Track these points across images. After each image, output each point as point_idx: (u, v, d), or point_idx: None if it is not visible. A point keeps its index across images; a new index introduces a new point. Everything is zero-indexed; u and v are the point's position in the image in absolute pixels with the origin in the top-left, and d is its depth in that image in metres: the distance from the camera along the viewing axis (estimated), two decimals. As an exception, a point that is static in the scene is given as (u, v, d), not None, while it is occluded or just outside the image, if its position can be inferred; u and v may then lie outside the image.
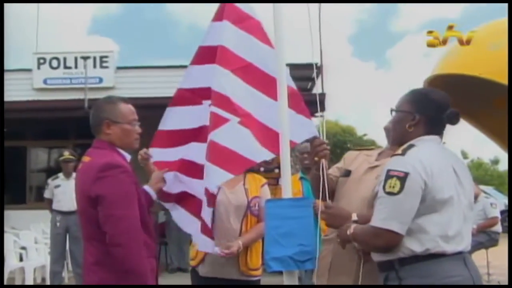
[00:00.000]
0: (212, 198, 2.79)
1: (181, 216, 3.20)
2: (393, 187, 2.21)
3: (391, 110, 2.52)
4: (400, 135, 2.45)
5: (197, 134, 3.08)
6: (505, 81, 2.28)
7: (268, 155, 2.75)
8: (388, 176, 2.24)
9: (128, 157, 2.69)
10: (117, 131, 2.63)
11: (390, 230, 2.21)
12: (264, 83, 2.84)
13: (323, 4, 12.38)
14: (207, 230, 2.86)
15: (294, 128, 2.70)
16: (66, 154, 7.93)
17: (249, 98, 2.84)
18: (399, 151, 2.33)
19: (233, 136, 2.75)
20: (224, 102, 2.80)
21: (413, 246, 2.24)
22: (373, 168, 2.83)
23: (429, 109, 2.38)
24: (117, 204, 2.43)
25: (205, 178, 2.77)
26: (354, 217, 2.49)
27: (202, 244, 3.00)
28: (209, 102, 2.93)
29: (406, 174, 2.20)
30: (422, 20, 72.32)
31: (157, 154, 3.12)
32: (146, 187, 2.93)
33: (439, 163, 2.29)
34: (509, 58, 2.34)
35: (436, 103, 2.39)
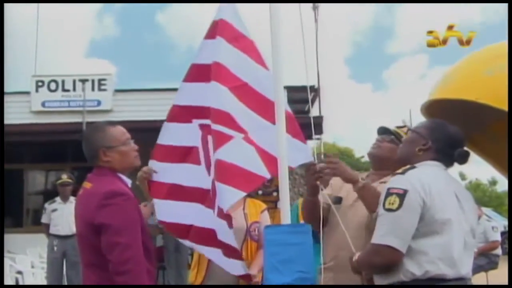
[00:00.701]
0: (229, 218, 2.75)
1: (204, 251, 3.15)
2: (392, 203, 2.26)
3: (408, 129, 2.67)
4: (407, 156, 2.53)
5: (187, 154, 3.07)
6: (501, 106, 2.30)
7: (267, 174, 2.74)
8: (388, 193, 2.31)
9: (129, 182, 2.70)
10: (115, 155, 2.62)
11: (389, 246, 2.24)
12: (260, 104, 2.84)
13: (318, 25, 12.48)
14: (232, 252, 2.82)
15: (290, 152, 2.69)
16: (64, 177, 7.93)
17: (245, 118, 2.83)
18: (400, 171, 2.39)
19: (240, 153, 2.73)
20: (225, 119, 2.78)
21: (413, 268, 2.24)
22: None
23: (442, 140, 2.47)
24: (122, 233, 2.42)
25: (217, 198, 2.72)
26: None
27: (232, 268, 2.95)
28: (199, 121, 2.94)
29: (405, 191, 2.26)
30: (417, 42, 73.07)
31: (156, 168, 3.11)
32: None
33: (438, 184, 2.33)
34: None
35: (451, 137, 2.48)
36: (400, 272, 2.26)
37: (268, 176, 2.75)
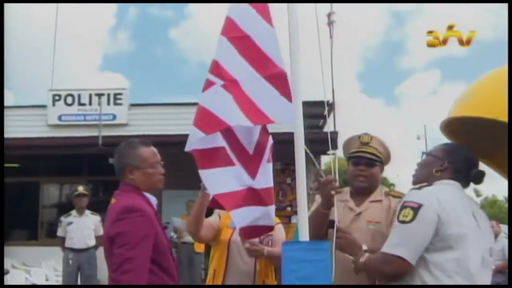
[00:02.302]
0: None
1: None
2: (406, 216, 2.33)
3: (423, 153, 2.72)
4: (425, 177, 2.58)
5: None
6: None
7: (245, 122, 2.70)
8: (403, 207, 2.39)
9: (154, 200, 2.75)
10: (140, 175, 2.71)
11: (399, 257, 2.30)
12: (258, 58, 2.81)
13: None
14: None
15: (274, 107, 2.69)
16: (80, 189, 7.98)
17: (239, 67, 2.81)
18: (417, 186, 2.48)
19: (214, 99, 2.75)
20: (213, 67, 2.82)
21: (430, 281, 2.29)
22: (359, 215, 3.01)
23: (458, 162, 2.54)
24: (129, 246, 2.46)
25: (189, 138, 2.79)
26: (365, 247, 2.62)
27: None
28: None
29: (420, 205, 2.32)
30: (428, 58, 72.99)
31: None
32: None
33: (454, 201, 2.39)
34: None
35: (467, 159, 2.56)
36: (418, 282, 2.31)
37: (233, 123, 2.72)
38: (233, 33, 2.85)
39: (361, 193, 3.11)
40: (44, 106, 12.96)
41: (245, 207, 2.90)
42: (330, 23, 12.94)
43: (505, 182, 2.89)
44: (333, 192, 2.78)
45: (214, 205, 3.13)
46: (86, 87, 13.35)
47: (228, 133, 2.89)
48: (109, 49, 66.17)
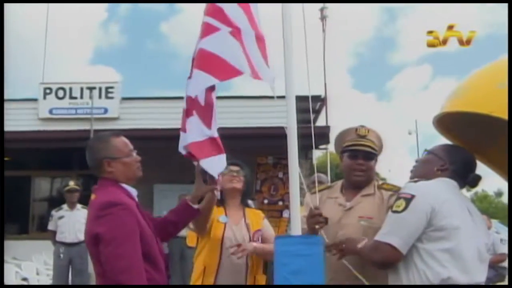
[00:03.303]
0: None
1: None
2: (399, 206, 2.39)
3: (425, 150, 2.77)
4: (426, 175, 2.63)
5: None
6: None
7: (249, 73, 2.69)
8: (397, 198, 2.46)
9: (134, 192, 2.70)
10: (119, 166, 2.65)
11: (389, 244, 2.36)
12: (249, 16, 2.83)
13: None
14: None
15: (261, 66, 2.70)
16: (71, 184, 7.95)
17: (239, 17, 2.81)
18: (413, 180, 2.60)
19: (222, 44, 2.73)
20: (216, 12, 2.81)
21: (425, 270, 2.34)
22: (349, 210, 2.96)
23: (459, 164, 2.60)
24: (116, 243, 2.41)
25: (190, 85, 2.81)
26: (361, 244, 2.64)
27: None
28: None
29: (413, 196, 2.39)
30: (420, 53, 73.30)
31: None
32: (188, 199, 2.96)
33: (449, 195, 2.45)
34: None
35: (467, 163, 2.63)
36: (414, 271, 2.36)
37: (246, 71, 2.68)
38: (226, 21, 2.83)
39: (354, 187, 3.05)
40: (35, 100, 12.89)
41: (212, 156, 2.94)
42: (323, 18, 12.93)
43: (495, 177, 2.91)
44: (317, 226, 2.74)
45: (189, 156, 3.05)
46: (77, 81, 13.28)
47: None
48: (101, 43, 65.91)
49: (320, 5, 13.13)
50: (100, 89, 12.75)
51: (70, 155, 12.23)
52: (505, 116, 2.30)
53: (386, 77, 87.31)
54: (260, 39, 2.77)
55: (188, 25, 62.56)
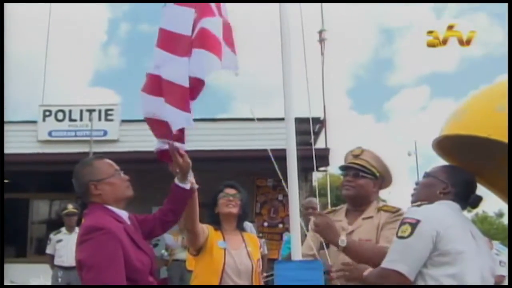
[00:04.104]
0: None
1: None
2: (404, 231, 2.37)
3: (425, 173, 2.76)
4: (426, 198, 2.63)
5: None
6: None
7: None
8: (402, 223, 2.43)
9: (125, 214, 2.65)
10: (106, 188, 2.61)
11: (397, 271, 2.32)
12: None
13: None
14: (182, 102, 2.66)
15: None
16: (70, 207, 7.91)
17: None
18: (416, 204, 2.59)
19: (219, 28, 2.74)
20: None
21: None
22: (351, 234, 2.99)
23: (461, 186, 2.60)
24: (96, 268, 2.36)
25: (191, 64, 2.65)
26: (343, 236, 2.75)
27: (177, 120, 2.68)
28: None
29: (418, 221, 2.36)
30: (417, 74, 73.84)
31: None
32: (177, 182, 2.83)
33: (453, 219, 2.44)
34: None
35: (468, 184, 2.63)
36: None
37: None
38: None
39: (355, 209, 3.14)
40: (34, 122, 12.90)
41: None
42: (321, 41, 13.03)
43: (495, 198, 2.90)
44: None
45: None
46: (77, 103, 13.33)
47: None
48: (100, 65, 66.16)
49: (318, 27, 13.26)
50: (99, 111, 12.77)
51: (69, 178, 12.17)
52: (504, 139, 2.31)
53: (384, 98, 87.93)
54: (225, 27, 2.79)
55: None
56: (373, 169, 3.13)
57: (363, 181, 3.12)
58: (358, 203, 3.14)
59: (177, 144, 2.69)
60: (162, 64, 2.75)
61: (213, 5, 2.80)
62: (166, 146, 2.71)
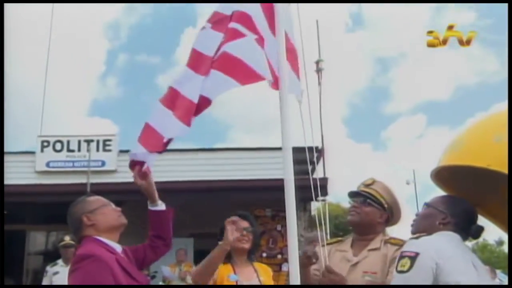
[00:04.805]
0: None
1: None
2: (404, 265, 2.34)
3: (425, 204, 2.74)
4: (426, 229, 2.61)
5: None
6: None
7: (270, 77, 2.72)
8: (401, 257, 2.40)
9: (118, 247, 2.65)
10: (99, 217, 2.64)
11: None
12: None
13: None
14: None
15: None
16: (67, 239, 7.81)
17: (261, 22, 2.88)
18: (415, 236, 2.56)
19: (247, 50, 2.75)
20: (243, 19, 2.84)
21: None
22: (356, 265, 2.98)
23: (461, 216, 2.58)
24: None
25: (205, 83, 2.71)
26: None
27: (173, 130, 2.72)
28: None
29: (417, 254, 2.33)
30: (413, 103, 74.37)
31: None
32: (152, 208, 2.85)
33: (453, 250, 2.41)
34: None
35: (468, 214, 2.61)
36: None
37: (269, 78, 2.70)
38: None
39: (360, 239, 3.10)
40: (32, 153, 12.89)
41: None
42: (318, 71, 13.14)
43: (495, 226, 2.89)
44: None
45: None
46: (75, 133, 13.32)
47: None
48: (98, 95, 66.47)
49: (315, 57, 13.38)
50: (97, 141, 12.76)
51: (66, 209, 12.13)
52: (502, 169, 2.31)
53: (381, 127, 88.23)
54: (290, 51, 2.83)
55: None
56: (381, 199, 3.10)
57: (370, 209, 3.09)
58: (363, 231, 3.10)
59: (149, 158, 2.70)
60: (184, 80, 2.85)
61: (240, 27, 2.82)
62: (138, 157, 2.71)
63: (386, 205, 3.11)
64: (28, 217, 12.84)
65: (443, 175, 2.72)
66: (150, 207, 2.83)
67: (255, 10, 2.89)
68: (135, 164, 2.75)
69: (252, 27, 2.84)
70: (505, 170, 2.31)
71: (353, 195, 3.20)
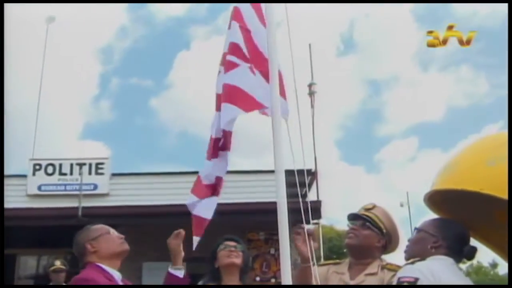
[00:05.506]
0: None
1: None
2: None
3: (415, 228, 2.73)
4: (418, 253, 2.58)
5: None
6: (503, 195, 2.31)
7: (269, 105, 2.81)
8: (400, 282, 2.37)
9: (117, 274, 2.70)
10: (101, 243, 2.74)
11: None
12: (255, 53, 2.98)
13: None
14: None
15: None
16: (58, 263, 7.73)
17: (252, 52, 2.98)
18: (409, 261, 2.50)
19: (243, 78, 2.87)
20: (235, 49, 2.96)
21: None
22: None
23: (452, 238, 2.57)
24: None
25: (217, 120, 2.96)
26: None
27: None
28: None
29: (416, 279, 2.32)
30: (405, 125, 74.86)
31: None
32: (172, 270, 3.02)
33: (448, 274, 2.39)
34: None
35: (460, 236, 2.59)
36: None
37: (267, 104, 2.79)
38: (241, 22, 3.03)
39: (357, 263, 3.05)
40: (24, 176, 12.80)
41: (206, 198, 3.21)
42: (311, 94, 13.21)
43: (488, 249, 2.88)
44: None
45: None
46: (67, 156, 13.29)
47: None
48: (91, 118, 66.45)
49: (308, 80, 13.47)
50: (90, 165, 12.69)
51: (57, 233, 12.02)
52: (496, 193, 2.32)
53: (374, 150, 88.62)
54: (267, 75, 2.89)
55: (177, 100, 63.61)
56: (380, 224, 3.07)
57: (368, 232, 3.05)
58: (360, 255, 3.05)
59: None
60: (212, 123, 3.13)
61: (236, 59, 2.94)
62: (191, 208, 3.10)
63: (384, 230, 3.08)
64: (18, 241, 12.69)
65: (436, 199, 2.72)
66: (171, 270, 3.00)
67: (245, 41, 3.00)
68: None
69: (243, 57, 2.94)
70: (497, 193, 2.31)
71: (352, 217, 3.16)
